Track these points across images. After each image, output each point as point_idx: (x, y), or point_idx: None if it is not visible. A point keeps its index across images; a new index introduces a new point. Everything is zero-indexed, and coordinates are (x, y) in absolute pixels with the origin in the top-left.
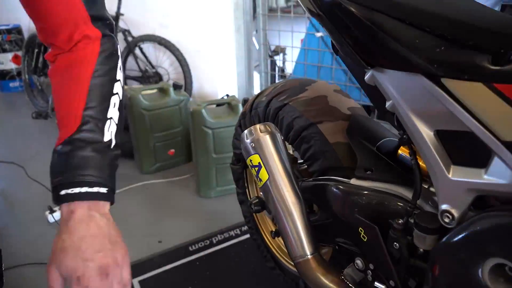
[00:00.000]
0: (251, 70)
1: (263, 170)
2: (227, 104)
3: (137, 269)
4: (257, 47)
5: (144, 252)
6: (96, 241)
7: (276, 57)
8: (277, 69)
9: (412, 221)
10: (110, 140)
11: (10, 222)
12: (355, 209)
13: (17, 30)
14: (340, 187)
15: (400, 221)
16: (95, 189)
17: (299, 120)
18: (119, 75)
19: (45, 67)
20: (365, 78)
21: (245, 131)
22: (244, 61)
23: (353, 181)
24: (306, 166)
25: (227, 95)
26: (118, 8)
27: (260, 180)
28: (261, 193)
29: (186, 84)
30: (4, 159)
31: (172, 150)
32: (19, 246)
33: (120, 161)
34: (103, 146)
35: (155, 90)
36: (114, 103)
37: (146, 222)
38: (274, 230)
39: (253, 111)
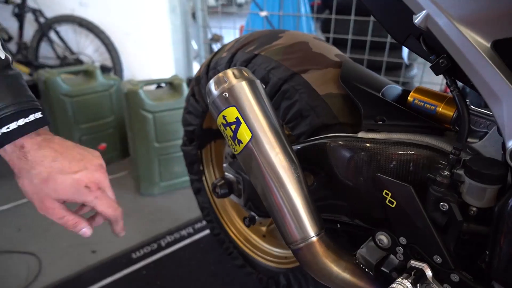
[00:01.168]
0: (190, 55)
1: (243, 127)
2: (169, 84)
3: (67, 287)
4: (195, 47)
5: (74, 265)
6: (70, 152)
7: (214, 46)
8: None
9: (460, 171)
10: (6, 57)
11: None
12: (375, 168)
13: None
14: (346, 143)
15: (445, 173)
16: (31, 117)
17: (276, 71)
18: None
19: None
20: None
21: (213, 79)
22: (181, 46)
23: (362, 134)
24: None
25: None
26: None
27: (239, 142)
28: (226, 173)
29: (115, 72)
30: None
31: (103, 145)
32: None
33: None
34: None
35: (78, 74)
36: None
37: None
38: (247, 216)
39: (211, 72)
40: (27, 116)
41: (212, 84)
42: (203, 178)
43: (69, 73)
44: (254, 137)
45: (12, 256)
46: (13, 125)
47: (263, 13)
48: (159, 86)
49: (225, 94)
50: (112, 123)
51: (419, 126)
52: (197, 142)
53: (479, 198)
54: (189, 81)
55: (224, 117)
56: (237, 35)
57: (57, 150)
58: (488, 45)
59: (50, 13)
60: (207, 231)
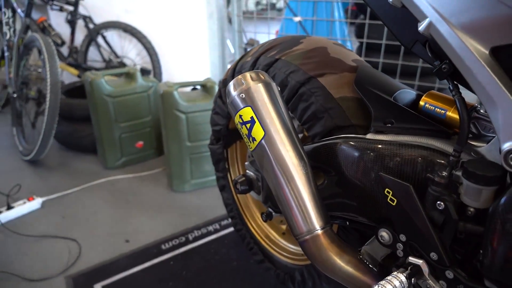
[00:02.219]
0: (225, 59)
1: (257, 126)
2: (202, 86)
3: (99, 272)
4: (232, 51)
5: (108, 253)
6: None
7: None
8: None
9: (458, 173)
10: None
11: None
12: (378, 167)
13: None
14: (354, 143)
15: (443, 173)
16: None
17: (295, 74)
18: None
19: None
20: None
21: (232, 81)
22: (217, 50)
23: (370, 135)
24: (301, 135)
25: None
26: None
27: (253, 139)
28: (247, 171)
29: (155, 74)
30: None
31: (141, 143)
32: None
33: (81, 156)
34: None
35: (120, 76)
36: None
37: (111, 220)
38: (265, 212)
39: (236, 75)
40: None
41: (231, 86)
42: (228, 175)
43: (112, 75)
44: (267, 135)
45: (56, 240)
46: None
47: (297, 18)
48: (194, 88)
49: (242, 95)
50: (149, 123)
51: (426, 129)
52: (223, 141)
53: (476, 199)
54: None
55: (240, 116)
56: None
57: None
58: (487, 51)
59: (98, 19)
60: (232, 228)
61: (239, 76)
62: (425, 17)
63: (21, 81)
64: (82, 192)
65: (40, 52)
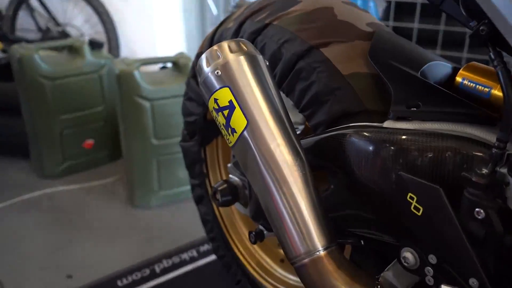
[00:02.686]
0: (205, 27)
1: (237, 112)
2: (173, 64)
3: None
4: (215, 12)
5: None
6: None
7: None
8: None
9: (504, 170)
10: None
11: None
12: (400, 166)
13: None
14: (369, 134)
15: (484, 171)
16: None
17: (291, 44)
18: None
19: None
20: None
21: (204, 54)
22: (194, 15)
23: (388, 123)
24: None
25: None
26: None
27: (233, 131)
28: (230, 176)
29: (110, 47)
30: None
31: (90, 142)
32: None
33: (6, 160)
34: None
35: (60, 51)
36: None
37: (47, 248)
38: (254, 230)
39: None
40: None
41: (203, 60)
42: (207, 182)
43: (50, 49)
44: (250, 124)
45: None
46: None
47: None
48: (163, 67)
49: (218, 72)
50: (102, 114)
51: (464, 114)
52: (199, 136)
53: None
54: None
55: (215, 100)
56: None
57: None
58: None
59: None
60: (214, 256)
61: (214, 47)
62: None
63: None
64: (6, 210)
65: None
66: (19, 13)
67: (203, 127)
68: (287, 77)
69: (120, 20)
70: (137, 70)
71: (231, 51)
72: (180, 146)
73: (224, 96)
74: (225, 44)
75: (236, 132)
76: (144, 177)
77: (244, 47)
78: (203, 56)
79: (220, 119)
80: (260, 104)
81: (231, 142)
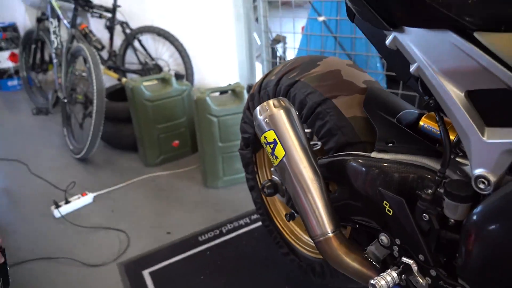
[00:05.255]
0: (252, 59)
1: (279, 146)
2: (232, 91)
3: (146, 260)
4: (259, 42)
5: (153, 243)
6: None
7: (277, 46)
8: (278, 58)
9: (441, 190)
10: None
11: (16, 218)
12: (379, 182)
13: (13, 27)
14: (361, 161)
15: (429, 191)
16: None
17: (312, 95)
18: None
19: (43, 63)
20: (387, 42)
21: (258, 108)
22: (245, 50)
23: (374, 154)
24: (319, 147)
25: (229, 85)
26: (115, 0)
27: (276, 157)
28: (273, 176)
29: (187, 75)
30: (7, 156)
31: (177, 142)
32: (25, 242)
33: (124, 154)
34: None
35: (156, 81)
36: None
37: (153, 214)
38: (288, 213)
39: (262, 91)
40: None
41: (257, 111)
42: (257, 177)
43: (150, 80)
44: (287, 154)
45: (108, 231)
46: None
47: (321, 18)
48: (223, 92)
49: (266, 120)
50: (184, 123)
51: (422, 149)
52: (251, 147)
53: (453, 212)
54: (249, 88)
55: (265, 137)
56: (298, 37)
57: None
58: (462, 93)
59: (134, 24)
60: (260, 223)
61: (264, 103)
62: (414, 61)
63: (70, 87)
64: (126, 187)
65: (85, 60)
66: (127, 52)
67: (254, 141)
68: (310, 117)
69: (194, 55)
70: (208, 96)
71: (275, 106)
72: (238, 152)
73: (270, 135)
74: (270, 102)
75: (278, 158)
76: (213, 167)
77: (283, 103)
78: (258, 108)
79: (268, 149)
80: (293, 142)
81: (275, 163)
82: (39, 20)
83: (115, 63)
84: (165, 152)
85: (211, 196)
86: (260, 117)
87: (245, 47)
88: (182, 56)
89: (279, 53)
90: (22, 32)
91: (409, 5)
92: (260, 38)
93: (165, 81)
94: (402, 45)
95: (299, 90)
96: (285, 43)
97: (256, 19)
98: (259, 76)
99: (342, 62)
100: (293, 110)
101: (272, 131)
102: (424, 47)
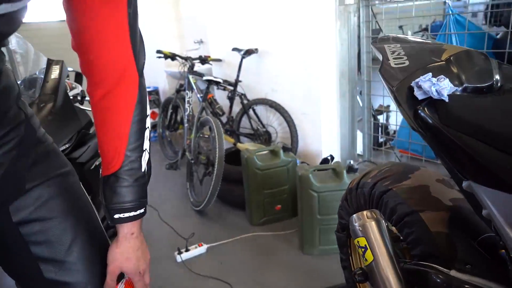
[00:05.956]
0: (354, 132)
1: (368, 252)
2: (332, 169)
3: None
4: (361, 104)
5: None
6: (141, 251)
7: (379, 117)
8: (380, 130)
9: None
10: (145, 170)
11: None
12: None
13: (156, 91)
14: (441, 276)
15: None
16: (138, 212)
17: (401, 206)
18: (148, 110)
19: (175, 123)
20: (463, 185)
21: (354, 216)
22: (347, 124)
23: (453, 273)
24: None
25: (331, 156)
26: (238, 76)
27: (366, 260)
28: (364, 266)
29: (292, 142)
30: None
31: (279, 206)
32: (152, 279)
33: (232, 210)
34: (141, 176)
35: (267, 151)
36: (147, 136)
37: (255, 271)
38: None
39: (359, 190)
40: (136, 211)
41: (354, 218)
42: (350, 258)
43: (261, 151)
44: (375, 260)
45: (217, 282)
46: (126, 214)
47: None
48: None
49: (360, 228)
50: (287, 190)
51: (496, 276)
52: (347, 232)
53: None
54: (349, 168)
55: (358, 241)
56: None
57: (139, 244)
58: None
59: (251, 96)
60: None
61: (359, 213)
62: (485, 208)
63: (197, 151)
64: (234, 243)
65: (210, 129)
66: (242, 118)
67: (349, 228)
68: (399, 223)
69: (299, 124)
70: (311, 174)
71: (367, 217)
72: (335, 233)
73: (362, 240)
74: (364, 213)
75: (367, 261)
76: (311, 236)
77: (374, 215)
78: (354, 216)
79: (359, 251)
80: (381, 251)
81: (365, 264)
82: (178, 91)
83: (232, 127)
84: (268, 214)
85: (307, 263)
86: (355, 224)
87: (348, 122)
88: (290, 126)
89: (382, 120)
90: (161, 95)
91: (479, 169)
92: (362, 107)
93: (274, 152)
94: (476, 192)
95: (390, 198)
96: (388, 111)
97: (360, 93)
98: (359, 147)
99: (432, 177)
100: (383, 222)
101: (364, 238)
102: (494, 201)
